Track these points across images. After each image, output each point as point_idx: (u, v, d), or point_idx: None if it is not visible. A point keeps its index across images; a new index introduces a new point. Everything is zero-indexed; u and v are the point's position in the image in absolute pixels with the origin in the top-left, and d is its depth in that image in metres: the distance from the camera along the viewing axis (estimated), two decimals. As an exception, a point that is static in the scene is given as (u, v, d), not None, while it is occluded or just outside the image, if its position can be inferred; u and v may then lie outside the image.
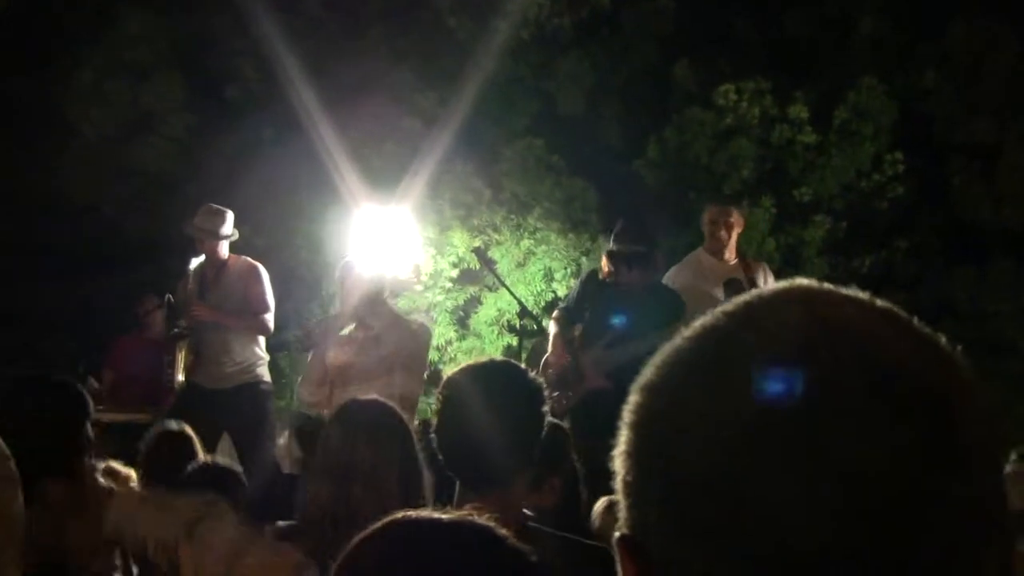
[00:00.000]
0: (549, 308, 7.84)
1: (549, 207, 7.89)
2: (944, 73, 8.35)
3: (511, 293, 6.26)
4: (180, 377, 5.96)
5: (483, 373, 2.26)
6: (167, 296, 6.31)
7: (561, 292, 7.65)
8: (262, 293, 6.00)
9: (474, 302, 7.96)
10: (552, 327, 5.58)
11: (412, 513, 1.33)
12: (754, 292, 0.73)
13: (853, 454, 0.62)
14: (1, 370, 5.89)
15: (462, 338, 7.83)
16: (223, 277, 6.04)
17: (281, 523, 2.54)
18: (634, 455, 0.71)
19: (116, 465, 3.30)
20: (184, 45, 8.51)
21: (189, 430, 4.07)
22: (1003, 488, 0.66)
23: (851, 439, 0.62)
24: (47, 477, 2.25)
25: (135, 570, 2.93)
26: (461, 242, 7.77)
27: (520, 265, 7.82)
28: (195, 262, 6.06)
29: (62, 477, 2.19)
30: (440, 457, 2.20)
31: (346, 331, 5.24)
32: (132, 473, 3.38)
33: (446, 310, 7.82)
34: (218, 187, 7.58)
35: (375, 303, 5.17)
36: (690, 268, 5.83)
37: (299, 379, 5.46)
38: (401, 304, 6.85)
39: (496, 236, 7.93)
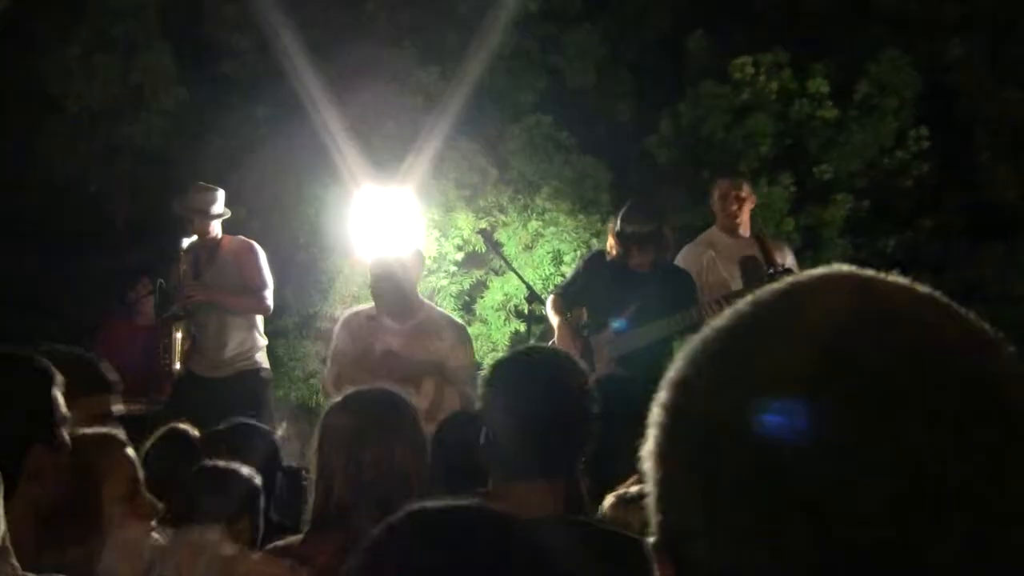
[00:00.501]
0: (558, 293, 7.89)
1: (558, 187, 7.91)
2: (971, 43, 8.34)
3: (519, 277, 6.31)
4: (177, 364, 6.01)
5: (536, 359, 2.35)
6: (159, 281, 6.36)
7: (570, 275, 7.68)
8: (259, 270, 6.06)
9: (480, 287, 7.99)
10: (551, 311, 5.62)
11: (431, 503, 1.39)
12: (790, 278, 0.73)
13: (905, 447, 0.62)
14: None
15: (468, 324, 7.85)
16: (217, 257, 6.10)
17: (279, 542, 2.59)
18: (667, 456, 0.71)
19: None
20: (175, 16, 8.52)
21: (193, 431, 4.11)
22: None
23: (903, 431, 0.62)
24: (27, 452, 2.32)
25: None
26: (466, 224, 7.80)
27: (528, 248, 7.86)
28: (187, 243, 6.11)
29: (44, 449, 2.27)
30: (486, 442, 2.26)
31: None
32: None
33: (451, 295, 7.86)
34: (211, 166, 7.62)
35: (415, 297, 5.26)
36: (703, 247, 5.86)
37: (325, 378, 5.46)
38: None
39: (502, 217, 7.96)
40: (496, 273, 7.94)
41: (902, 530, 0.61)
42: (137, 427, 5.12)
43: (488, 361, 7.73)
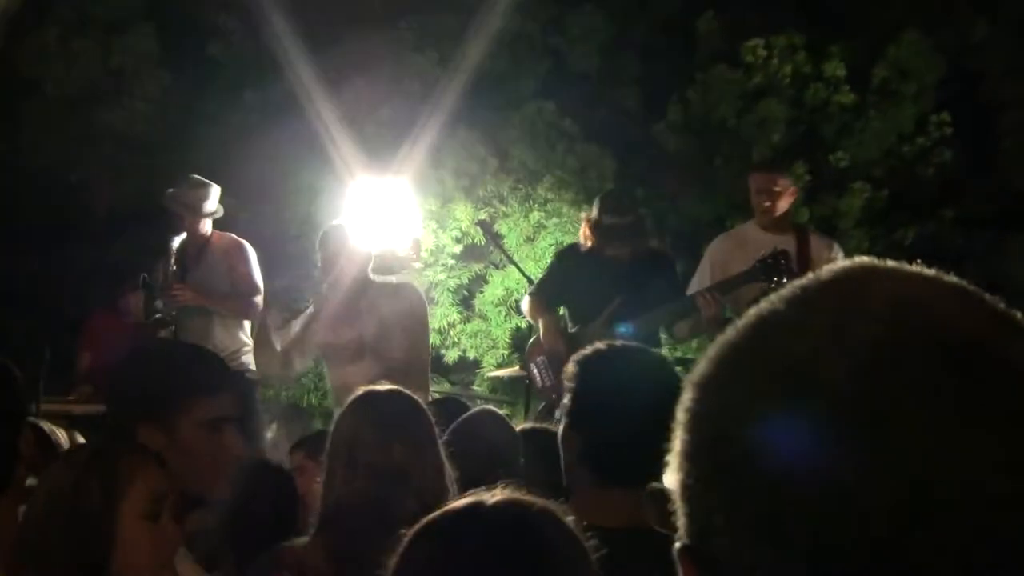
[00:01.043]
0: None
1: (561, 176, 7.93)
2: (996, 23, 8.34)
3: (520, 271, 6.32)
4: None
5: (640, 356, 2.37)
6: (143, 276, 6.36)
7: (574, 269, 7.69)
8: (249, 273, 6.06)
9: (479, 281, 8.01)
10: (530, 312, 5.65)
11: (466, 500, 1.41)
12: (813, 274, 0.74)
13: (934, 448, 0.64)
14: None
15: (466, 320, 7.89)
16: (206, 255, 6.09)
17: (283, 545, 2.61)
18: (692, 456, 0.73)
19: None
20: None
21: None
22: None
23: (931, 432, 0.64)
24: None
25: None
26: (464, 215, 7.82)
27: (529, 240, 7.87)
28: (176, 240, 6.10)
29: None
30: (579, 445, 2.25)
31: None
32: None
33: (448, 289, 7.88)
34: (196, 153, 7.64)
35: (364, 275, 5.30)
36: (732, 240, 5.82)
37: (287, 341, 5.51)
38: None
39: (503, 208, 7.98)
40: (496, 267, 7.96)
41: (920, 532, 0.63)
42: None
43: (488, 359, 7.76)
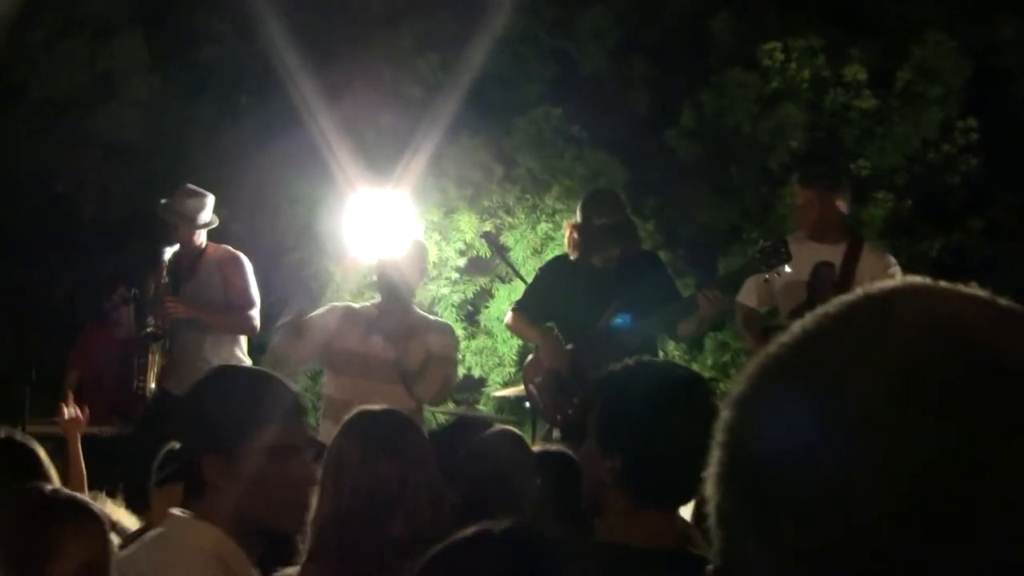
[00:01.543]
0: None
1: (569, 185, 7.93)
2: (1024, 23, 8.34)
3: (527, 285, 6.30)
4: (152, 384, 6.02)
5: (680, 373, 2.42)
6: (133, 291, 6.36)
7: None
8: (245, 286, 6.07)
9: (484, 295, 8.01)
10: (518, 329, 5.67)
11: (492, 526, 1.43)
12: (861, 290, 0.75)
13: (974, 483, 0.64)
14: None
15: (471, 336, 7.88)
16: (200, 268, 6.11)
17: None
18: (726, 478, 0.73)
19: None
20: (149, -1, 8.56)
21: None
22: None
23: (971, 471, 0.64)
24: None
25: None
26: (469, 226, 7.81)
27: (536, 252, 7.87)
28: (169, 252, 6.11)
29: None
30: (616, 465, 2.25)
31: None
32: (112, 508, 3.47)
33: (452, 304, 7.87)
34: (188, 162, 7.65)
35: (409, 301, 5.32)
36: None
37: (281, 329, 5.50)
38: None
39: (509, 219, 7.98)
40: (502, 280, 7.95)
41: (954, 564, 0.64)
42: (106, 451, 5.14)
43: (494, 377, 7.75)
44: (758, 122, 8.07)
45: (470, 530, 1.45)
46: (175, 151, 8.07)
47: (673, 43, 8.60)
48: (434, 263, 7.82)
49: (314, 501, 2.56)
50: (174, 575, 2.20)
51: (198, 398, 2.37)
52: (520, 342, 7.71)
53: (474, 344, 7.84)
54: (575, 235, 5.48)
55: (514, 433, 3.40)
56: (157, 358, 6.04)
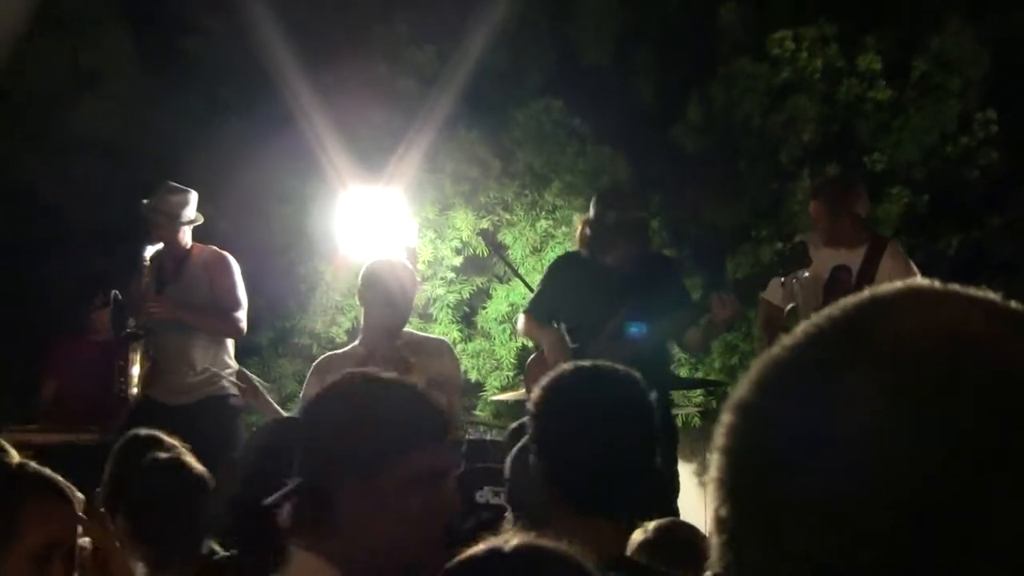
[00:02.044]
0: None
1: (570, 181, 7.93)
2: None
3: (526, 285, 6.31)
4: (134, 389, 6.02)
5: (609, 374, 2.43)
6: (113, 293, 6.37)
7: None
8: (232, 287, 6.08)
9: (481, 296, 8.01)
10: (528, 331, 5.61)
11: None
12: (868, 293, 0.76)
13: (982, 501, 0.65)
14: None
15: (468, 339, 7.89)
16: (185, 268, 6.13)
17: None
18: (728, 484, 0.74)
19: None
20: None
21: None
22: None
23: (975, 469, 0.66)
24: None
25: None
26: (465, 224, 7.82)
27: (536, 250, 7.87)
28: (151, 251, 6.12)
29: None
30: (535, 471, 2.32)
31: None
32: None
33: (448, 305, 7.88)
34: (173, 159, 7.64)
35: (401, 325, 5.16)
36: None
37: None
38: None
39: (507, 216, 7.98)
40: (500, 280, 7.95)
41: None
42: (87, 459, 5.14)
43: (492, 381, 7.75)
44: (768, 115, 8.08)
45: (480, 548, 1.47)
46: (159, 148, 8.07)
47: (679, 32, 8.59)
48: (429, 262, 7.82)
49: None
50: None
51: (329, 416, 2.15)
52: (517, 344, 7.72)
53: (471, 347, 7.84)
54: (587, 231, 5.46)
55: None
56: (138, 361, 6.04)
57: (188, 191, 6.13)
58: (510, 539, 1.45)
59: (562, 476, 2.28)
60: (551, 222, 7.89)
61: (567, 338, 5.39)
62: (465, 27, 7.83)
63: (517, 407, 7.12)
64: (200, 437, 5.82)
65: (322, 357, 5.32)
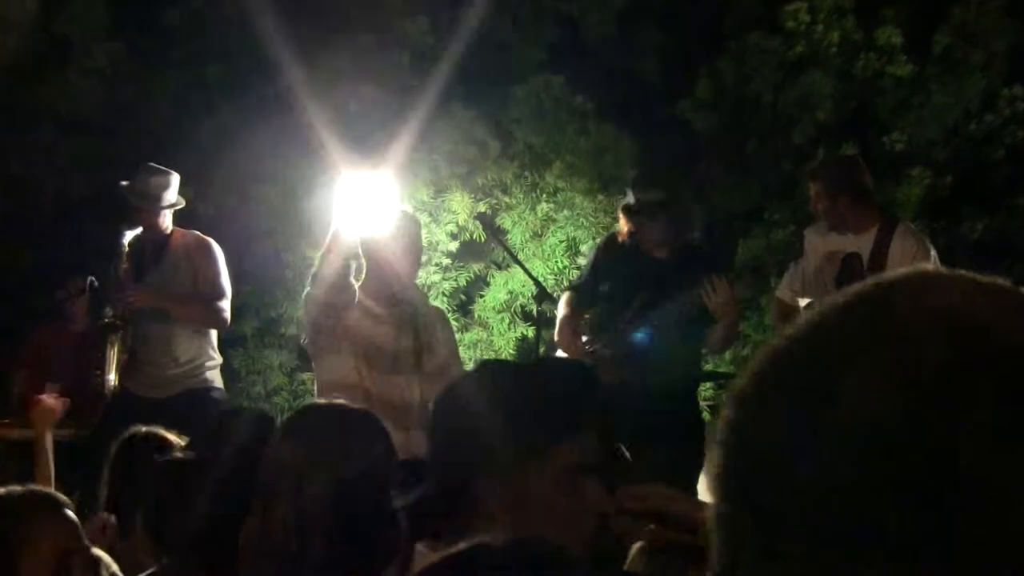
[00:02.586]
0: (574, 289, 7.88)
1: (572, 161, 7.93)
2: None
3: (525, 271, 6.31)
4: (113, 381, 6.03)
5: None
6: (90, 279, 6.37)
7: (589, 269, 7.69)
8: (216, 274, 6.08)
9: (479, 283, 8.01)
10: (561, 311, 5.62)
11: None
12: (872, 280, 0.76)
13: (993, 495, 0.65)
14: None
15: (464, 329, 7.88)
16: (166, 254, 6.13)
17: None
18: (725, 480, 0.75)
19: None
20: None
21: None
22: None
23: (991, 473, 0.66)
24: None
25: None
26: (461, 207, 7.82)
27: (536, 235, 7.87)
28: (130, 235, 6.12)
29: None
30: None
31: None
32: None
33: (443, 293, 7.88)
34: (152, 137, 7.65)
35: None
36: (813, 232, 5.88)
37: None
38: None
39: (506, 199, 7.98)
40: (498, 267, 7.96)
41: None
42: (62, 455, 5.14)
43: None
44: (781, 91, 8.07)
45: (466, 544, 1.46)
46: (137, 126, 8.06)
47: (687, 3, 8.59)
48: (423, 247, 7.81)
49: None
50: None
51: (470, 407, 2.09)
52: (516, 335, 7.73)
53: (467, 337, 7.84)
54: (621, 215, 5.47)
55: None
56: (116, 352, 6.04)
57: (169, 173, 6.13)
58: (500, 535, 1.42)
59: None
60: (552, 205, 7.88)
61: (579, 345, 5.38)
62: (461, -2, 7.82)
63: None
64: (180, 432, 5.88)
65: None
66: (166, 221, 6.15)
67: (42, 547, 2.07)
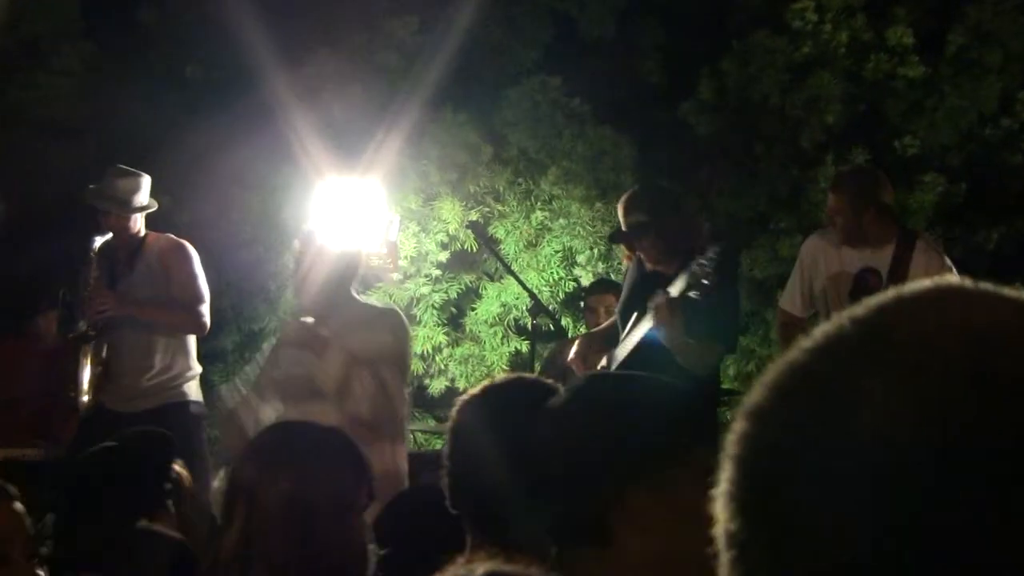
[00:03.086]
0: (569, 301, 7.88)
1: (568, 167, 7.93)
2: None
3: (520, 282, 6.33)
4: (85, 397, 6.01)
5: (498, 395, 2.45)
6: (61, 291, 6.34)
7: (585, 279, 7.69)
8: (192, 277, 6.06)
9: (470, 295, 8.01)
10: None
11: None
12: (891, 292, 0.77)
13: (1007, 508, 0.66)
14: None
15: (455, 343, 7.89)
16: (139, 260, 6.10)
17: None
18: (737, 497, 0.76)
19: None
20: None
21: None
22: None
23: (1012, 489, 0.66)
24: None
25: None
26: (452, 216, 7.82)
27: (531, 245, 7.88)
28: (99, 241, 6.11)
29: None
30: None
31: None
32: None
33: (433, 306, 7.87)
34: (126, 141, 7.62)
35: (341, 292, 5.10)
36: (823, 240, 5.85)
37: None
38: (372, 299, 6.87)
39: (498, 207, 7.98)
40: (491, 278, 7.96)
41: None
42: (32, 476, 5.14)
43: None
44: (788, 94, 8.08)
45: (447, 573, 1.47)
46: (111, 129, 8.05)
47: (689, 2, 8.61)
48: (412, 258, 7.81)
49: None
50: None
51: (606, 414, 2.04)
52: (509, 349, 7.72)
53: (458, 352, 7.84)
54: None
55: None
56: (89, 365, 6.02)
57: (139, 174, 6.10)
58: (476, 567, 1.45)
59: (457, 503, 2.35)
60: (547, 213, 7.89)
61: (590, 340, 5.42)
62: (452, -4, 7.83)
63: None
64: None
65: None
66: (137, 225, 6.12)
67: None
